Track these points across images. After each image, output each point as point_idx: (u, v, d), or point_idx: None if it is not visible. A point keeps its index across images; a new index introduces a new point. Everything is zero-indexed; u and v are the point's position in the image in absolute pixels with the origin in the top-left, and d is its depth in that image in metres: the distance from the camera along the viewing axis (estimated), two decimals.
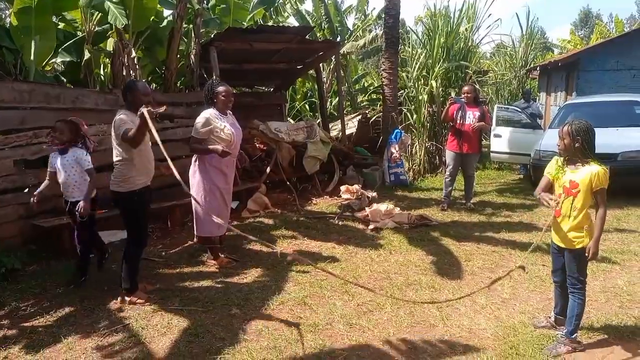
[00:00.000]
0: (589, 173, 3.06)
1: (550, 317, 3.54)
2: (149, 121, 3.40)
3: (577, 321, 3.22)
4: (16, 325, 3.69)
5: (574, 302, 3.22)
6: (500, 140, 9.30)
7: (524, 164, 10.09)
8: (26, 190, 5.32)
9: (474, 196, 7.49)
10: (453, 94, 9.60)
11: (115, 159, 3.93)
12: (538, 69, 16.14)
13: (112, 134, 3.85)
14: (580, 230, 3.14)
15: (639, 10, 41.43)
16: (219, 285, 4.40)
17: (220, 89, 4.64)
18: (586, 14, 43.58)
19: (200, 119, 4.59)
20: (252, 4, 10.51)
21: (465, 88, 7.09)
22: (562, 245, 3.24)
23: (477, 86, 9.01)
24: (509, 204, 7.56)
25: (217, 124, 4.58)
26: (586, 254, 3.11)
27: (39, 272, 4.75)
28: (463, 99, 6.96)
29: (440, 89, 10.21)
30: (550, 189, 3.32)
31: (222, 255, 5.01)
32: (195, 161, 4.74)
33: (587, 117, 3.17)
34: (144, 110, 3.43)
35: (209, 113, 4.61)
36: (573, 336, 3.21)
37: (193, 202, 4.74)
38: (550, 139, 6.88)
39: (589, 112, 8.45)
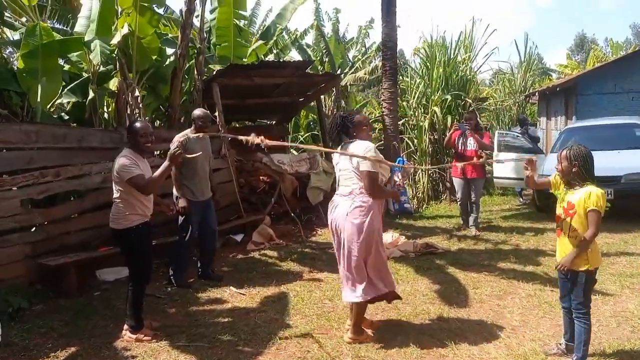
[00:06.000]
0: (583, 193, 3.12)
1: (561, 344, 3.49)
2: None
3: (586, 347, 3.18)
4: None
5: (579, 327, 3.20)
6: (503, 166, 9.32)
7: (521, 193, 10.11)
8: (33, 229, 5.35)
9: (479, 222, 7.52)
10: (450, 121, 9.77)
11: (114, 196, 3.98)
12: (537, 94, 16.30)
13: (113, 173, 3.91)
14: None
15: (634, 34, 41.93)
16: (225, 320, 4.37)
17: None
18: (581, 39, 44.11)
19: (371, 148, 3.61)
20: (252, 40, 10.74)
21: (466, 116, 7.59)
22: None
23: (477, 114, 9.26)
24: (514, 229, 7.52)
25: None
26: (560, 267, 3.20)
27: (45, 311, 4.72)
28: (467, 127, 7.15)
29: (441, 117, 10.33)
30: (546, 184, 3.55)
31: None
32: (366, 206, 3.60)
33: (588, 141, 3.25)
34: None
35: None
36: None
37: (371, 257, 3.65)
38: (552, 163, 6.88)
39: (590, 136, 8.49)
